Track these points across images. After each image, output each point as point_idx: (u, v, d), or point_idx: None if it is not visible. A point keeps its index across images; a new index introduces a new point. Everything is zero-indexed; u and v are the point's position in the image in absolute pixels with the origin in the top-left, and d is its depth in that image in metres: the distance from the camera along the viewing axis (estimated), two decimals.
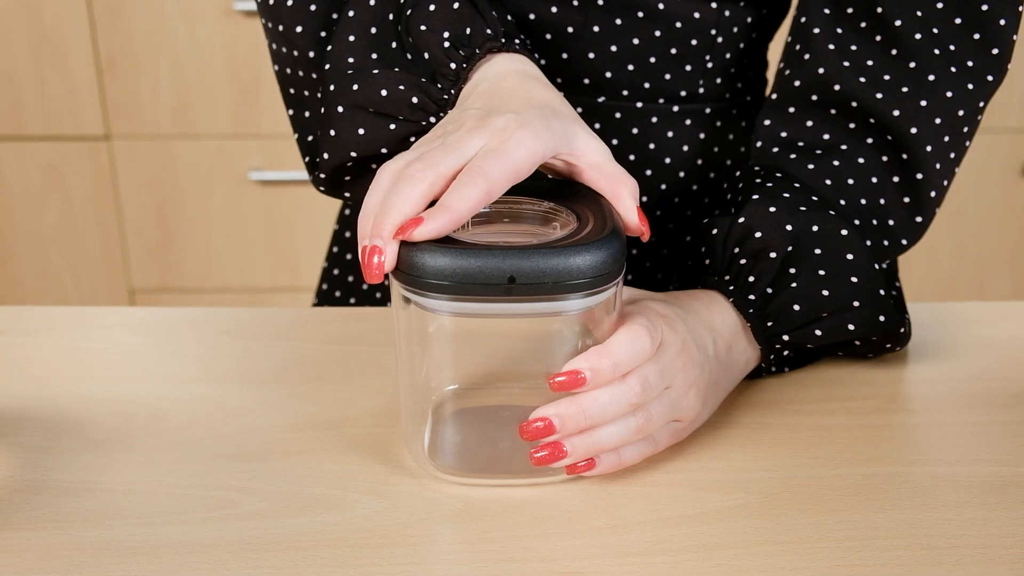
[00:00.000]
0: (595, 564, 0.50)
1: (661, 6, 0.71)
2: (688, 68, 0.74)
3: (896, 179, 0.66)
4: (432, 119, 0.62)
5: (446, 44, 0.62)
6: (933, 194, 0.66)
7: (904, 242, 0.67)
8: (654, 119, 0.75)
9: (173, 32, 1.77)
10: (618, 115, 0.74)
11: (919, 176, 0.66)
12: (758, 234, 0.63)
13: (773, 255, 0.62)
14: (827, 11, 0.68)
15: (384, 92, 0.62)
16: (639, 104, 0.74)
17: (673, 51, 0.73)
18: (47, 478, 0.56)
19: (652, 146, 0.75)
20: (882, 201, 0.66)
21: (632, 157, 0.75)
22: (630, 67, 0.73)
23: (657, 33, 0.72)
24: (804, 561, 0.50)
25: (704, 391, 0.58)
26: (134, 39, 1.77)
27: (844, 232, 0.63)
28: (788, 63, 0.69)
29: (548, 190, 0.56)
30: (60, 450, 0.59)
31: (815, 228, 0.63)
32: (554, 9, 0.72)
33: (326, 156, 0.65)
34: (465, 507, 0.54)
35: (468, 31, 0.62)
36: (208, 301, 1.93)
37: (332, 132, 0.64)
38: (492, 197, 0.51)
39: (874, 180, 0.66)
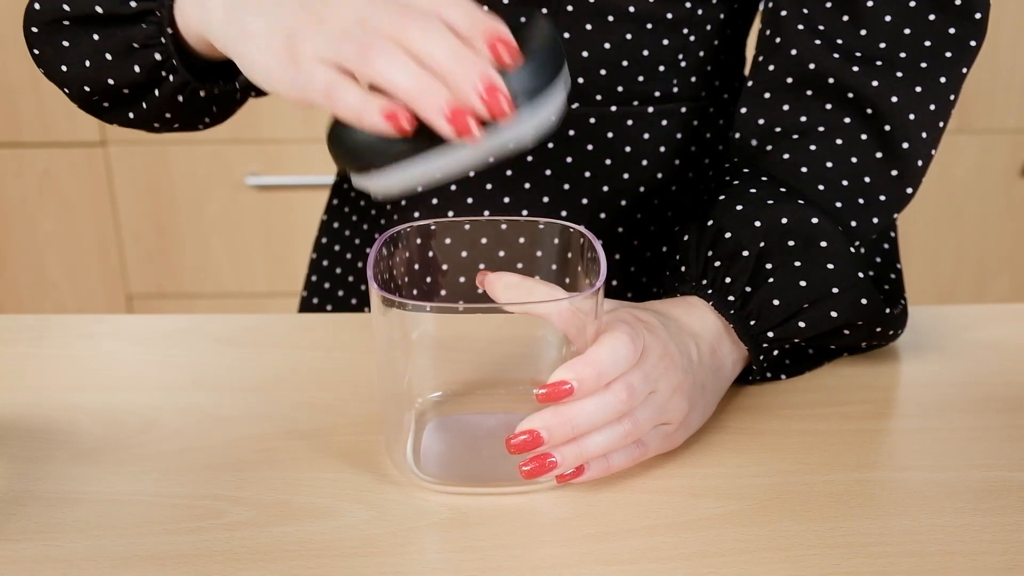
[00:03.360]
0: (585, 572, 0.49)
1: (631, 8, 0.71)
2: (661, 68, 0.74)
3: (879, 155, 0.66)
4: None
5: None
6: (920, 163, 0.66)
7: (895, 215, 0.67)
8: (629, 122, 0.75)
9: None
10: (592, 120, 0.74)
11: (905, 146, 0.66)
12: (728, 234, 0.63)
13: (746, 253, 0.62)
14: None
15: None
16: (613, 108, 0.74)
17: (645, 52, 0.73)
18: (36, 488, 0.56)
19: (628, 149, 0.75)
20: (867, 179, 0.66)
21: (608, 161, 0.75)
22: (602, 72, 0.73)
23: (628, 36, 0.72)
24: (796, 568, 0.50)
25: (689, 393, 0.57)
26: None
27: (815, 220, 0.62)
28: (761, 49, 0.70)
29: None
30: (49, 460, 0.58)
31: (784, 220, 0.62)
32: (523, 19, 0.71)
33: (36, 7, 0.62)
34: (453, 515, 0.54)
35: None
36: (206, 306, 1.92)
37: None
38: None
39: (854, 160, 0.66)
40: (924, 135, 0.66)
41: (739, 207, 0.63)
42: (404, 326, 0.53)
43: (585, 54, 0.72)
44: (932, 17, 0.66)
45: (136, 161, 1.84)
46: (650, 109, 0.75)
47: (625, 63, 0.73)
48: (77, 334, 0.73)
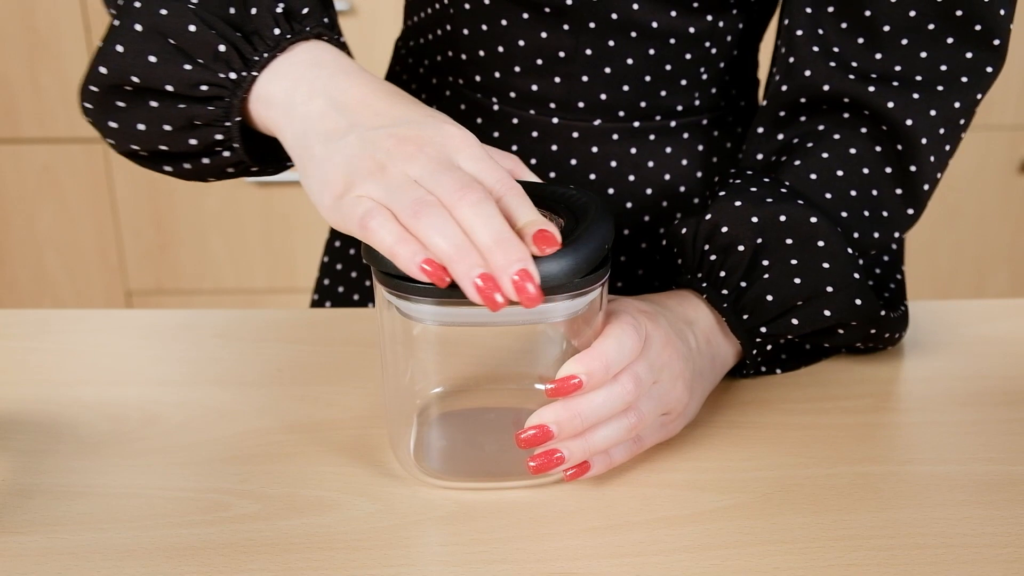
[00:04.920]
0: (589, 565, 0.50)
1: (655, 24, 0.70)
2: (683, 82, 0.73)
3: (889, 170, 0.66)
4: (231, 75, 0.57)
5: (279, 10, 0.58)
6: (926, 187, 0.66)
7: (896, 234, 0.67)
8: (652, 137, 0.74)
9: None
10: (616, 136, 0.74)
11: (912, 168, 0.65)
12: (724, 229, 0.63)
13: (741, 248, 0.62)
14: (808, 11, 0.67)
15: (192, 28, 0.57)
16: (636, 124, 0.74)
17: (668, 67, 0.72)
18: (40, 482, 0.56)
19: (651, 164, 0.75)
20: (875, 192, 0.66)
21: (632, 177, 0.75)
22: (625, 88, 0.72)
23: (651, 51, 0.71)
24: (799, 561, 0.50)
25: (690, 382, 0.58)
26: None
27: (813, 220, 0.62)
28: (778, 68, 0.69)
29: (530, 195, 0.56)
30: (53, 454, 0.59)
31: (782, 218, 0.62)
32: (544, 34, 0.71)
33: (102, 71, 0.58)
34: (458, 508, 0.54)
35: (305, 10, 0.59)
36: (205, 303, 1.92)
37: (119, 48, 0.58)
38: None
39: (866, 171, 0.66)
40: (932, 159, 0.65)
41: (737, 203, 0.63)
42: (407, 321, 0.53)
43: (608, 70, 0.71)
44: (950, 41, 0.65)
45: None
46: (672, 123, 0.74)
47: (648, 78, 0.72)
48: (79, 329, 0.73)
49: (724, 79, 0.75)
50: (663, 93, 0.73)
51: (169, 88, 0.58)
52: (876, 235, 0.66)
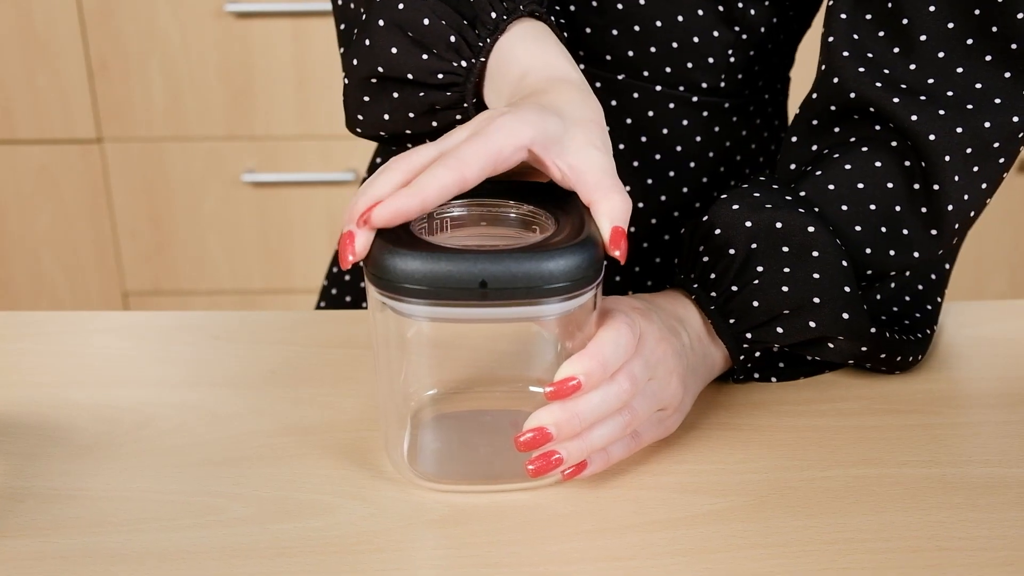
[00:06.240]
0: (582, 569, 0.50)
1: None
2: (711, 60, 0.73)
3: (916, 186, 0.64)
4: (463, 63, 0.62)
5: None
6: (951, 208, 0.64)
7: (916, 255, 0.65)
8: (671, 105, 0.75)
9: (165, 34, 1.77)
10: (636, 95, 0.74)
11: (936, 187, 0.63)
12: (718, 231, 0.63)
13: (732, 251, 0.62)
14: (843, 16, 0.66)
15: (426, 21, 0.62)
16: (658, 88, 0.74)
17: (695, 40, 0.72)
18: (32, 485, 0.56)
19: (665, 131, 0.75)
20: (897, 208, 0.64)
21: (644, 139, 0.75)
22: (652, 49, 0.73)
23: (680, 18, 0.72)
24: (793, 564, 0.50)
25: (684, 377, 0.58)
26: (125, 41, 1.77)
27: (811, 229, 0.62)
28: (816, 77, 0.68)
29: (532, 192, 0.56)
30: (46, 457, 0.58)
31: (778, 225, 0.62)
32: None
33: (355, 62, 0.65)
34: (452, 512, 0.54)
35: None
36: (202, 303, 1.92)
37: (367, 42, 0.64)
38: (466, 181, 0.50)
39: (889, 185, 0.64)
40: (957, 178, 0.63)
41: (735, 206, 0.63)
42: (400, 323, 0.52)
43: (637, 28, 0.72)
44: (988, 58, 0.63)
45: (132, 158, 1.83)
46: (695, 98, 0.75)
47: (675, 44, 0.73)
48: (74, 330, 0.73)
49: (753, 68, 0.76)
50: (689, 64, 0.74)
51: (410, 76, 0.63)
52: (892, 253, 0.64)
